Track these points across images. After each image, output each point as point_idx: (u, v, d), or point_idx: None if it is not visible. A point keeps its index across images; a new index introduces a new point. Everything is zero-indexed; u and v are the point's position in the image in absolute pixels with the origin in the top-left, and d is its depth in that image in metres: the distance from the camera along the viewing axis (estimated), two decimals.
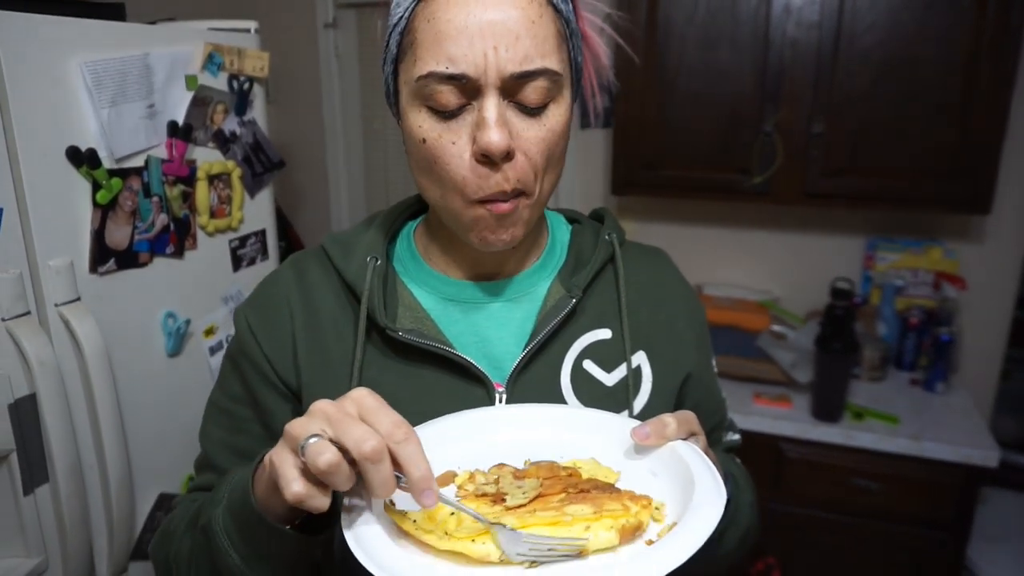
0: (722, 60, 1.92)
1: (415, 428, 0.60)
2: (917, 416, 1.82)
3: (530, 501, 0.52)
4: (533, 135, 0.59)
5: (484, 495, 0.54)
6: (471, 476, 0.58)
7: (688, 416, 0.60)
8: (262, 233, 1.54)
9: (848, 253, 2.21)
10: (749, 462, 1.79)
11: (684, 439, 0.59)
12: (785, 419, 1.82)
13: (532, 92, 0.58)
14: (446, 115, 0.59)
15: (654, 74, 1.99)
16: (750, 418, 1.83)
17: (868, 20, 1.78)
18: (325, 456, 0.46)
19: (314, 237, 2.74)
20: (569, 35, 0.62)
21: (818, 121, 1.88)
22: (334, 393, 0.65)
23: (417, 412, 0.63)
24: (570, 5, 0.63)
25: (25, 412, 1.08)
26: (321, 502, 0.49)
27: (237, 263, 1.48)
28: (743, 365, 1.99)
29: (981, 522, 2.00)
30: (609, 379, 0.70)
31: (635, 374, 0.71)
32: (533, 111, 0.59)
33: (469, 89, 0.57)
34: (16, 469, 1.08)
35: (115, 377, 1.19)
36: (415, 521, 0.51)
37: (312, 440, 0.47)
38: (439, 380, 0.67)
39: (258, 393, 0.70)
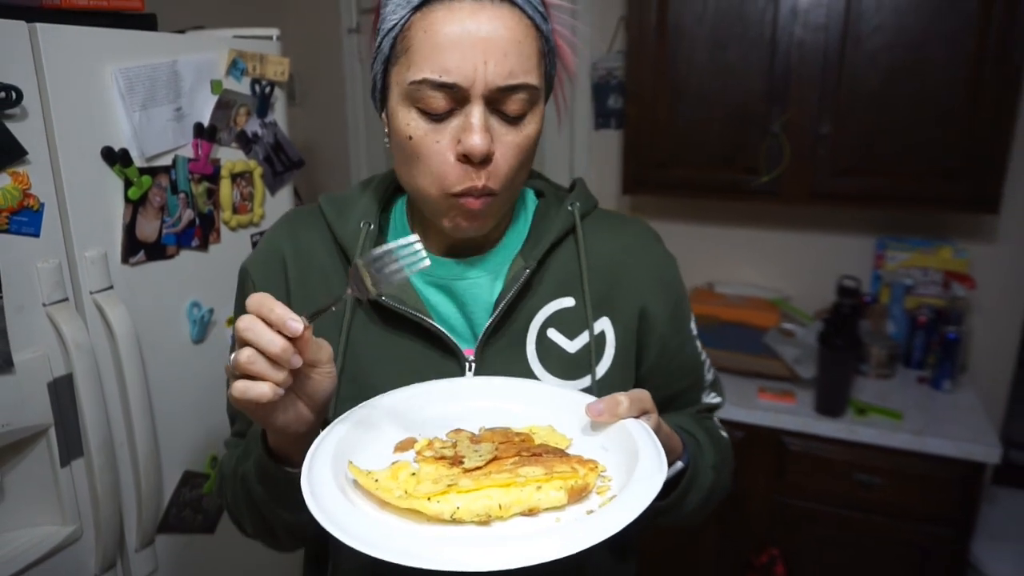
0: (731, 61, 1.96)
1: (383, 395, 0.66)
2: (922, 413, 1.84)
3: (486, 463, 0.57)
4: (511, 140, 0.66)
5: (443, 458, 0.59)
6: (429, 443, 0.62)
7: (642, 395, 0.64)
8: None
9: (858, 252, 2.23)
10: (753, 455, 1.87)
11: (637, 417, 0.63)
12: (788, 413, 1.85)
13: (513, 104, 0.65)
14: (434, 117, 0.65)
15: (664, 75, 2.04)
16: (754, 412, 1.87)
17: (874, 22, 1.81)
18: (241, 355, 0.56)
19: None
20: (547, 52, 0.69)
21: (825, 122, 1.91)
22: None
23: (395, 372, 0.71)
24: (549, 25, 0.69)
25: (62, 390, 1.17)
26: (259, 390, 0.56)
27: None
28: (749, 361, 2.02)
29: (990, 521, 2.01)
30: (571, 346, 0.75)
31: (598, 340, 0.75)
32: (513, 120, 0.66)
33: (458, 97, 0.64)
34: (54, 443, 1.18)
35: (144, 361, 1.28)
36: (377, 480, 0.56)
37: (232, 355, 0.57)
38: (416, 346, 0.74)
39: None
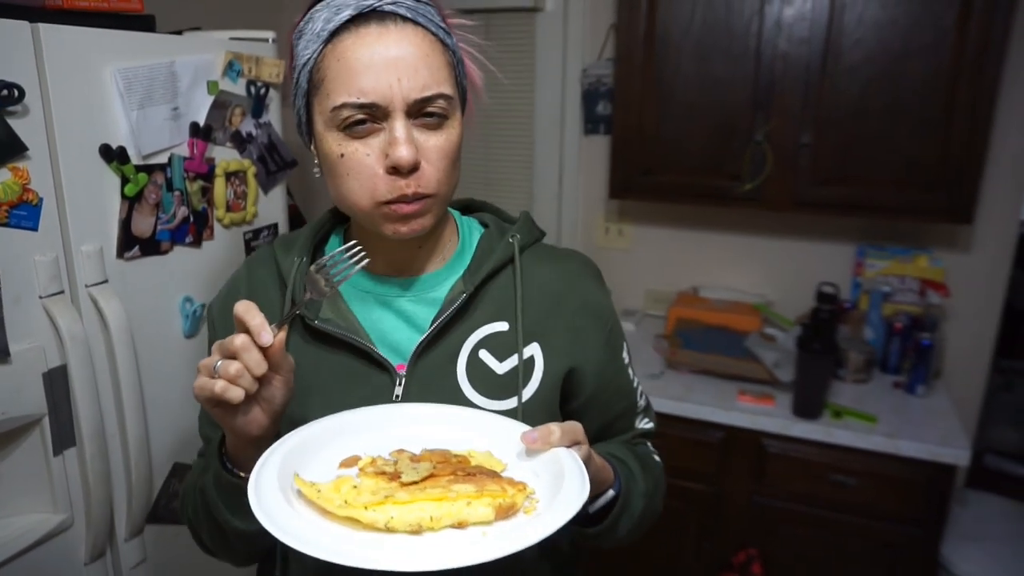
0: (716, 72, 2.01)
1: (327, 417, 0.72)
2: (896, 416, 1.89)
3: (423, 479, 0.61)
4: (434, 145, 0.71)
5: (383, 473, 0.63)
6: (372, 460, 0.66)
7: (574, 427, 0.69)
8: (274, 227, 1.66)
9: (839, 259, 2.29)
10: (733, 456, 1.92)
11: (569, 447, 0.66)
12: (767, 416, 1.90)
13: (432, 112, 0.70)
14: (360, 136, 0.70)
15: (651, 84, 2.09)
16: (734, 414, 1.92)
17: (855, 37, 1.86)
18: (233, 366, 0.63)
19: None
20: (456, 63, 0.75)
21: (807, 132, 1.96)
22: None
23: (330, 387, 0.77)
24: (453, 39, 0.75)
25: (56, 381, 1.20)
26: (236, 393, 0.63)
27: (250, 254, 1.60)
28: (730, 364, 2.07)
29: (961, 522, 2.07)
30: (500, 368, 0.79)
31: (527, 364, 0.79)
32: (433, 127, 0.71)
33: (379, 114, 0.69)
34: (47, 432, 1.21)
35: (137, 354, 1.31)
36: (320, 491, 0.60)
37: (219, 363, 0.64)
38: (349, 364, 0.78)
39: None
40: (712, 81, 2.02)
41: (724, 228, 2.41)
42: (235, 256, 1.57)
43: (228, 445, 0.73)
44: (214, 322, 0.88)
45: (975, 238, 2.12)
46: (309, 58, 0.71)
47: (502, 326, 0.80)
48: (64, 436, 1.23)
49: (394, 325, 0.81)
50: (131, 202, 1.29)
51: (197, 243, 1.45)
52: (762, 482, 1.95)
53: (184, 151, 1.39)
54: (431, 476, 0.62)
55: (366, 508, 0.57)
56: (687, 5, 2.00)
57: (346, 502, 0.58)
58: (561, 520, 0.55)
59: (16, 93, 1.09)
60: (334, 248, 0.87)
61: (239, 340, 0.63)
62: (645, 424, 0.93)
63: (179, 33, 1.50)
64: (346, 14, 0.69)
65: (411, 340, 0.79)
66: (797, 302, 2.34)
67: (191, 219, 1.42)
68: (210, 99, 1.43)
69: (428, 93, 0.69)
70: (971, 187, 1.85)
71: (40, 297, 1.18)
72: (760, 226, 2.36)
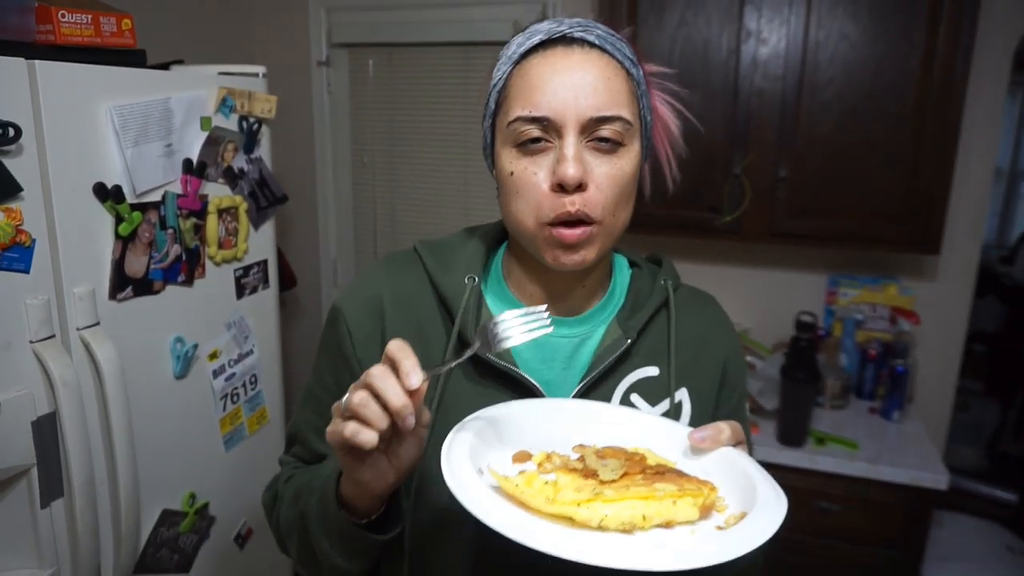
0: (695, 107, 2.06)
1: (486, 409, 0.68)
2: (875, 442, 1.95)
3: (620, 477, 0.60)
4: (605, 171, 0.69)
5: (574, 469, 0.61)
6: (548, 456, 0.64)
7: (738, 427, 0.68)
8: (264, 263, 1.63)
9: (812, 288, 2.35)
10: None
11: (734, 446, 0.66)
12: (753, 444, 1.92)
13: (607, 133, 0.69)
14: (532, 152, 0.69)
15: None
16: None
17: (828, 74, 1.94)
18: (357, 395, 0.58)
19: (304, 264, 2.82)
20: (639, 95, 0.73)
21: (783, 165, 2.02)
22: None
23: None
24: (640, 71, 0.74)
25: (46, 429, 1.15)
26: (367, 436, 0.57)
27: (240, 291, 1.56)
28: None
29: (938, 543, 2.13)
30: (652, 411, 0.78)
31: (676, 408, 0.79)
32: (607, 151, 0.69)
33: (551, 130, 0.68)
34: (35, 483, 1.15)
35: (127, 397, 1.27)
36: (518, 485, 0.58)
37: (346, 398, 0.59)
38: (506, 398, 0.75)
39: (347, 387, 0.77)
40: (691, 116, 2.07)
41: (701, 258, 2.45)
42: (226, 294, 1.53)
43: (344, 491, 0.68)
44: (348, 328, 0.79)
45: (940, 267, 2.21)
46: (499, 79, 0.73)
47: (653, 371, 0.80)
48: (52, 487, 1.18)
49: (550, 363, 0.79)
50: (125, 241, 1.25)
51: (189, 282, 1.41)
52: None
53: (177, 188, 1.36)
54: (625, 474, 0.60)
55: (579, 505, 0.55)
56: (666, 42, 2.05)
57: (547, 498, 0.56)
58: (775, 521, 0.55)
59: (12, 132, 1.05)
60: (494, 274, 0.83)
61: (376, 369, 0.58)
62: None
63: (165, 67, 1.47)
64: (537, 38, 0.71)
65: (565, 377, 0.78)
66: (772, 330, 2.39)
67: (183, 257, 1.39)
68: (203, 135, 1.40)
69: (605, 113, 0.68)
70: (938, 219, 1.93)
71: (30, 342, 1.13)
72: (736, 256, 2.41)
